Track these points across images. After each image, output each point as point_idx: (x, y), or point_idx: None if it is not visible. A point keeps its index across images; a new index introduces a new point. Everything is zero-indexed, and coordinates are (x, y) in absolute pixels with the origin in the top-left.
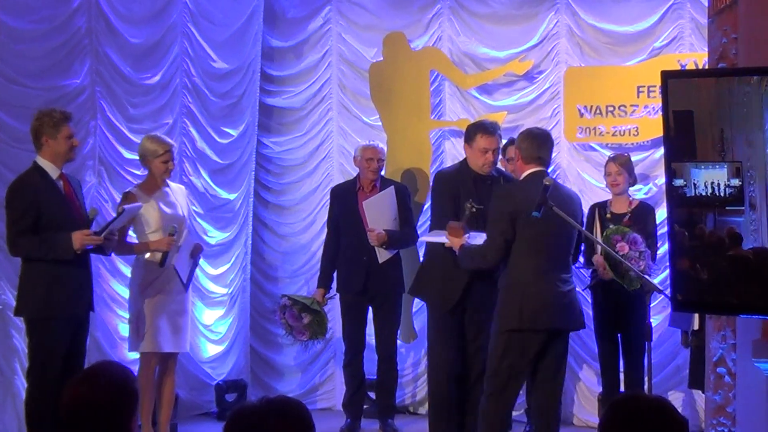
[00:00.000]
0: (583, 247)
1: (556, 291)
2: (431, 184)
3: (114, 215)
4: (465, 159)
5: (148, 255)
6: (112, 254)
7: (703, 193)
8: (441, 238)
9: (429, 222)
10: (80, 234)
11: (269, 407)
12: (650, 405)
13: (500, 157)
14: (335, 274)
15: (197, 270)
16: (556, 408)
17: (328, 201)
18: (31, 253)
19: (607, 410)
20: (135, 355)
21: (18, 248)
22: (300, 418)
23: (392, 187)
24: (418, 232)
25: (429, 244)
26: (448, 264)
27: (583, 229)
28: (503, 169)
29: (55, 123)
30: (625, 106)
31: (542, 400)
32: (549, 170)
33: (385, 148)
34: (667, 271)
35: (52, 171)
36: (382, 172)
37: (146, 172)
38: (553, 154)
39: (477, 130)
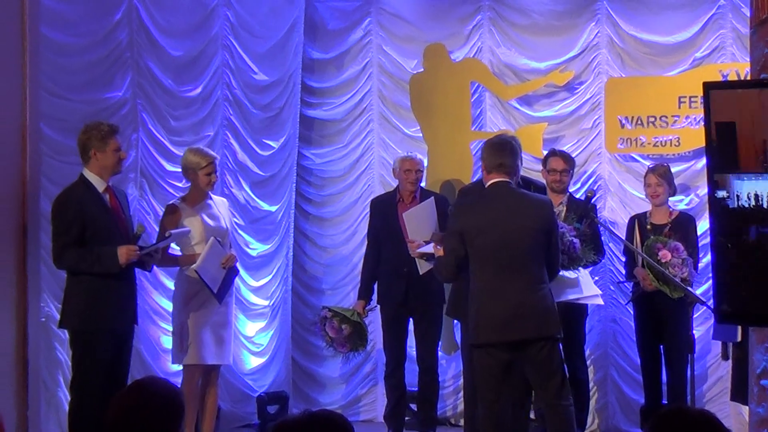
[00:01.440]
0: (625, 259)
1: (509, 302)
2: None
3: (156, 229)
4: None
5: (189, 269)
6: (155, 267)
7: (746, 205)
8: (430, 248)
9: None
10: (126, 248)
11: (312, 420)
12: (697, 418)
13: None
14: (376, 286)
15: (238, 281)
16: (562, 417)
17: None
18: (76, 266)
19: (653, 423)
20: (177, 368)
21: (63, 261)
22: (343, 431)
23: (432, 198)
24: None
25: None
26: None
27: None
28: (531, 178)
29: (103, 136)
30: (666, 117)
31: (546, 413)
32: (590, 181)
33: (426, 160)
34: (710, 282)
35: (99, 184)
36: (423, 183)
37: (188, 185)
38: (594, 165)
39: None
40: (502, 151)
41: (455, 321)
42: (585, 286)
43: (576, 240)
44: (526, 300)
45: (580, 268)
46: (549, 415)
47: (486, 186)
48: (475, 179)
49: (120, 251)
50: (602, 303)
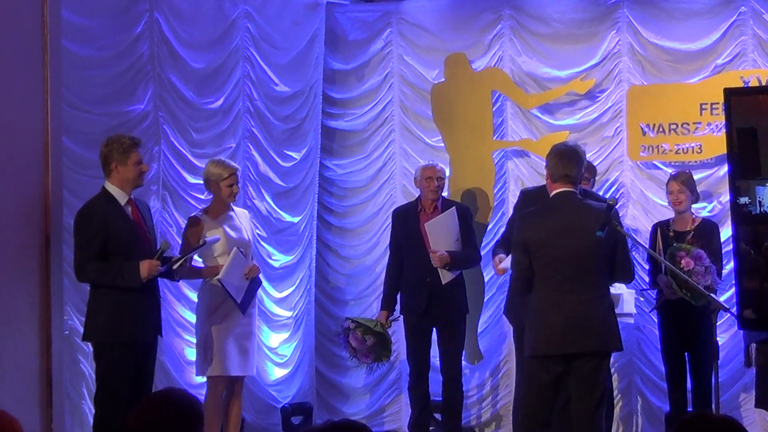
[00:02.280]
0: (649, 267)
1: (570, 314)
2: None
3: (179, 241)
4: None
5: (215, 279)
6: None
7: None
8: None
9: (494, 243)
10: (148, 263)
11: (335, 430)
12: (720, 424)
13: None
14: (399, 296)
15: (261, 293)
16: (590, 429)
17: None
18: (98, 279)
19: (676, 429)
20: (201, 379)
21: (85, 275)
22: None
23: (454, 207)
24: (481, 253)
25: None
26: None
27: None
28: (588, 189)
29: (125, 149)
30: (688, 124)
31: (578, 427)
32: (612, 189)
33: (448, 169)
34: (733, 289)
35: (121, 197)
36: (445, 193)
37: (210, 197)
38: (616, 173)
39: None
40: (569, 160)
41: (479, 331)
42: (626, 303)
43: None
44: (588, 313)
45: (624, 285)
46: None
47: (550, 195)
48: (497, 189)
49: (142, 266)
50: (632, 322)
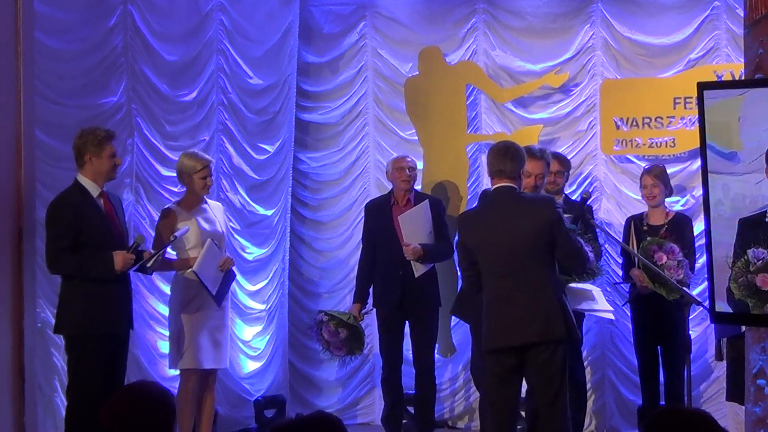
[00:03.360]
0: (622, 261)
1: (514, 307)
2: None
3: (153, 233)
4: None
5: (188, 271)
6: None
7: None
8: None
9: None
10: (122, 255)
11: (305, 423)
12: (692, 418)
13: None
14: (371, 289)
15: (235, 286)
16: (551, 426)
17: None
18: (71, 271)
19: (648, 423)
20: (174, 372)
21: (58, 267)
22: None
23: (427, 201)
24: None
25: None
26: None
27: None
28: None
29: (99, 141)
30: (661, 118)
31: (539, 418)
32: (585, 183)
33: (422, 163)
34: (706, 283)
35: (93, 189)
36: (419, 186)
37: (183, 189)
38: (590, 167)
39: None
40: (504, 156)
41: (452, 324)
42: (600, 299)
43: (591, 254)
44: (531, 304)
45: (591, 284)
46: (541, 422)
47: (492, 189)
48: (470, 182)
49: (116, 257)
50: (613, 318)
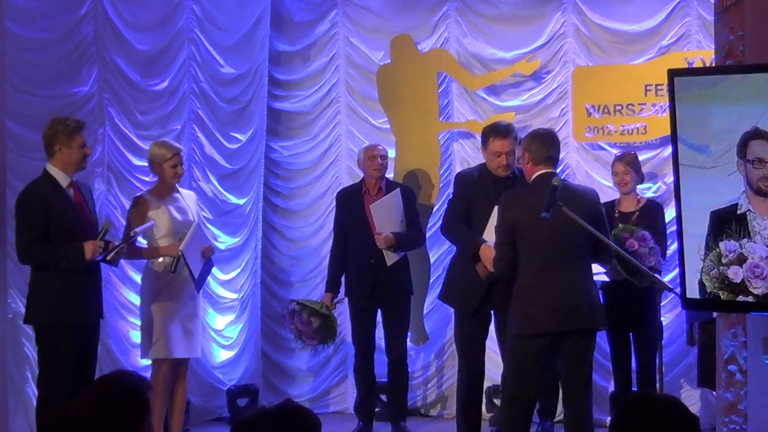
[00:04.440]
0: None
1: (558, 293)
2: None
3: (124, 223)
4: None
5: (159, 260)
6: (122, 260)
7: None
8: None
9: (440, 224)
10: (92, 244)
11: (274, 413)
12: (662, 404)
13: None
14: (344, 278)
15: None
16: (581, 413)
17: None
18: (42, 262)
19: (619, 409)
20: (147, 362)
21: (29, 257)
22: (306, 423)
23: (398, 189)
24: (426, 234)
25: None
26: (469, 270)
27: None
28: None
29: (70, 131)
30: (633, 105)
31: (568, 406)
32: (558, 170)
33: (394, 151)
34: (677, 269)
35: (63, 179)
36: (390, 175)
37: (155, 179)
38: (562, 154)
39: (491, 132)
40: (552, 143)
41: (425, 312)
42: None
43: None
44: (574, 292)
45: None
46: (570, 409)
47: (531, 178)
48: (442, 170)
49: (86, 247)
50: None
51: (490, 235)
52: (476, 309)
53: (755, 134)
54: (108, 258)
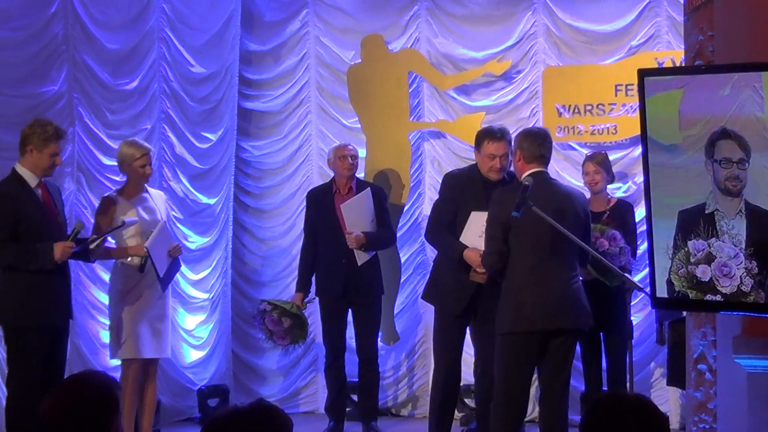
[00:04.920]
0: None
1: (551, 291)
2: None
3: (92, 221)
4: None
5: (128, 260)
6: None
7: None
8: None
9: (411, 224)
10: (62, 245)
11: (246, 412)
12: (631, 403)
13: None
14: (314, 278)
15: (178, 275)
16: (558, 413)
17: None
18: (12, 262)
19: (588, 409)
20: (117, 362)
21: None
22: (277, 422)
23: (369, 189)
24: (397, 234)
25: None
26: (456, 271)
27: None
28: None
29: (46, 138)
30: (603, 105)
31: (546, 405)
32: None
33: (365, 150)
34: (647, 269)
35: (31, 179)
36: (361, 174)
37: (125, 178)
38: None
39: (485, 135)
40: (544, 142)
41: (395, 312)
42: None
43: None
44: (565, 291)
45: None
46: (548, 409)
47: (522, 176)
48: (413, 170)
49: (56, 247)
50: None
51: (466, 239)
52: (463, 310)
53: (722, 134)
54: (91, 247)
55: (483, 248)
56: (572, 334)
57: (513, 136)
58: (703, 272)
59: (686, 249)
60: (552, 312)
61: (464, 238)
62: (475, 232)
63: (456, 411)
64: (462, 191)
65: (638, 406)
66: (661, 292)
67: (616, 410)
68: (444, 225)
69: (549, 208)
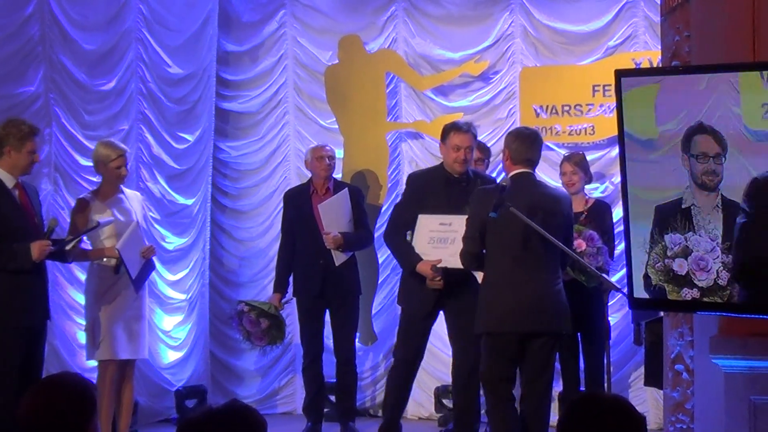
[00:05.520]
0: None
1: (527, 293)
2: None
3: (68, 220)
4: (442, 162)
5: (103, 261)
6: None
7: None
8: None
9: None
10: (39, 244)
11: (220, 413)
12: (608, 403)
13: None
14: (291, 278)
15: (155, 276)
16: (539, 414)
17: None
18: None
19: (565, 409)
20: (94, 363)
21: None
22: (251, 423)
23: (346, 189)
24: (375, 234)
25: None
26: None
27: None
28: (480, 171)
29: (22, 136)
30: (580, 106)
31: (527, 406)
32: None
33: (342, 151)
34: (624, 269)
35: (8, 180)
36: (339, 175)
37: (101, 179)
38: None
39: (451, 128)
40: (532, 145)
41: (373, 313)
42: None
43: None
44: (544, 292)
45: None
46: (529, 410)
47: (509, 175)
48: (390, 170)
49: (33, 247)
50: None
51: (417, 245)
52: (429, 312)
53: (699, 129)
54: (68, 248)
55: (433, 256)
56: (552, 337)
57: (503, 135)
58: (680, 266)
59: (663, 243)
60: (525, 314)
61: (415, 244)
62: (424, 237)
63: (434, 411)
64: (425, 190)
65: (615, 407)
66: (639, 291)
67: (593, 411)
68: (402, 228)
69: (531, 210)
